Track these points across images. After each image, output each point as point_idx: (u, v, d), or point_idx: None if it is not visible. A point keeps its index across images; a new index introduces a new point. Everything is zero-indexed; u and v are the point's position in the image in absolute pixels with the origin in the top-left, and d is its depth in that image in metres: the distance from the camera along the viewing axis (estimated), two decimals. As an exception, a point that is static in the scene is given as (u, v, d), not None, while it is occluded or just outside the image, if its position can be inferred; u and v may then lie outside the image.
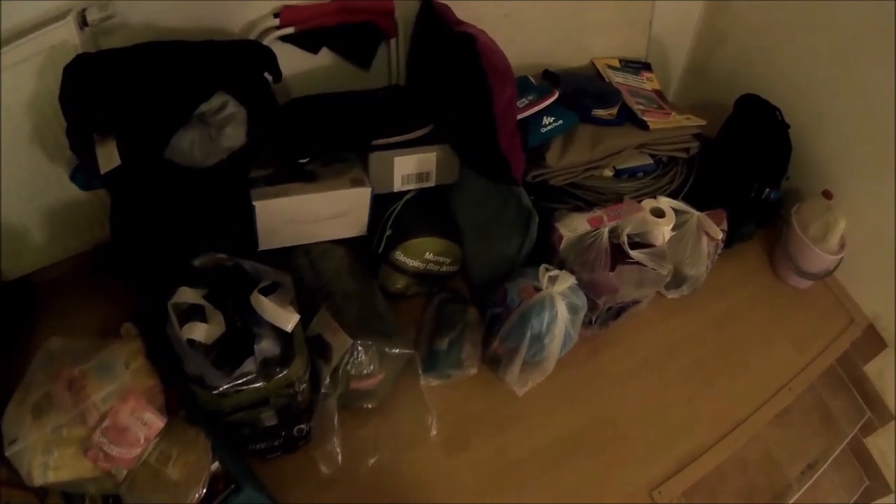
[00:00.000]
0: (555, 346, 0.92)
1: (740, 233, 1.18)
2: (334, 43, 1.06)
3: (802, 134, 1.19)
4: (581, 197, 1.05)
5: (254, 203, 0.92)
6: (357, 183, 0.97)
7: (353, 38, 1.05)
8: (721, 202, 1.15)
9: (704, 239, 1.08)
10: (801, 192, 1.26)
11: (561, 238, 0.97)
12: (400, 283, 1.00)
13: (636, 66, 1.25)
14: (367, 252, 1.00)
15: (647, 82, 1.23)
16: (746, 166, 1.19)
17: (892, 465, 1.26)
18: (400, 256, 0.97)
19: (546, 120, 1.01)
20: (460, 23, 0.98)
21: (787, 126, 1.18)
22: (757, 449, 1.17)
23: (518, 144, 0.95)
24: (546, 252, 1.00)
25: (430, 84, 0.99)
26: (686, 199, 1.13)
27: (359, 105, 1.03)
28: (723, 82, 1.32)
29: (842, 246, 1.17)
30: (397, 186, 1.01)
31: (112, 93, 0.82)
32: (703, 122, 1.17)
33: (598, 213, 0.98)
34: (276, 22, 0.99)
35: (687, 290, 1.10)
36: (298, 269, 0.98)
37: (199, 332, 0.77)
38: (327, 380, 0.88)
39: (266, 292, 0.83)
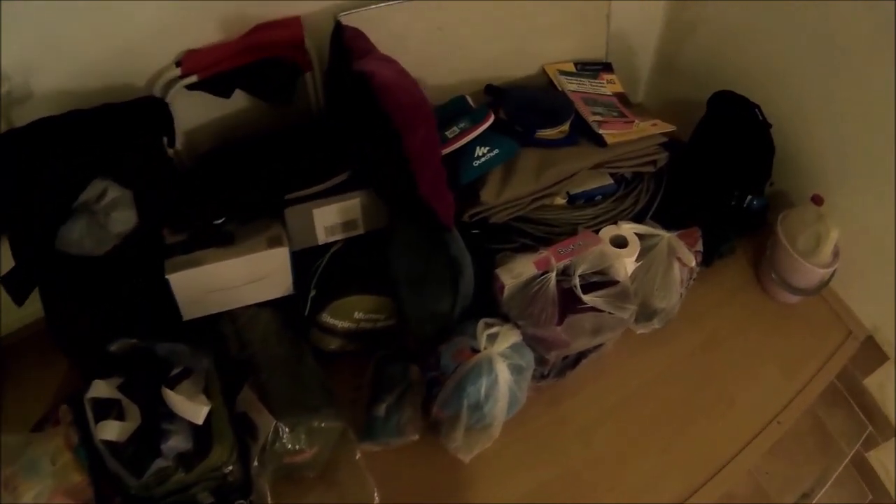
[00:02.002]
0: (499, 410, 0.77)
1: (720, 250, 0.98)
2: (246, 84, 0.89)
3: (786, 133, 0.98)
4: (529, 232, 0.87)
5: (167, 276, 0.79)
6: (274, 243, 0.82)
7: (266, 76, 0.88)
8: (697, 214, 0.96)
9: (676, 265, 0.89)
10: (788, 195, 1.05)
11: (503, 287, 0.80)
12: (333, 343, 0.85)
13: (594, 67, 1.04)
14: (296, 312, 0.85)
15: (608, 85, 1.02)
16: (724, 172, 0.99)
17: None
18: (328, 318, 0.83)
19: (479, 151, 0.82)
20: (366, 52, 0.80)
21: (769, 125, 0.97)
22: (746, 482, 1.00)
23: (443, 186, 0.77)
24: (492, 302, 0.83)
25: (345, 123, 0.81)
26: (655, 218, 0.94)
27: (274, 152, 0.87)
28: (695, 78, 1.11)
29: (835, 255, 0.96)
30: (322, 239, 0.85)
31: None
32: (672, 128, 0.96)
33: (544, 253, 0.80)
34: (179, 71, 0.83)
35: (658, 324, 0.92)
36: (225, 339, 0.84)
37: (112, 431, 0.70)
38: (255, 460, 0.76)
39: (178, 380, 0.74)
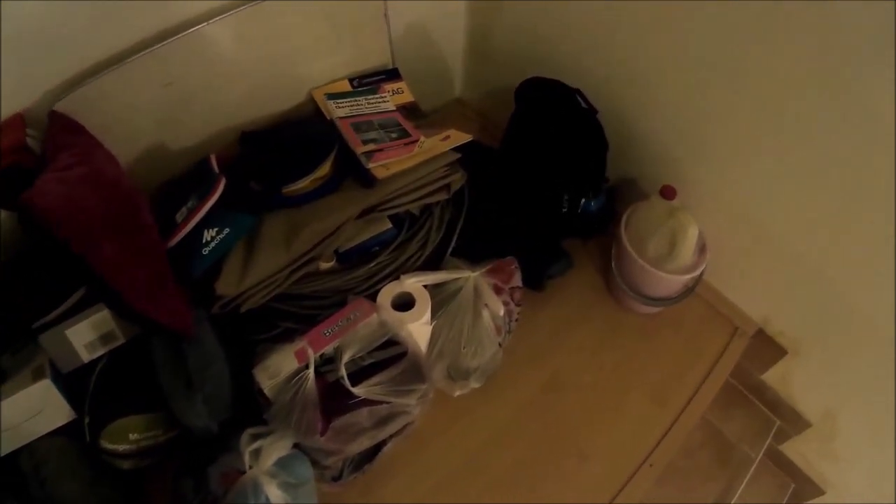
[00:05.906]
0: (283, 530, 0.58)
1: (549, 273, 0.71)
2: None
3: (620, 117, 0.69)
4: (293, 312, 0.64)
5: None
6: (38, 375, 0.65)
7: (3, 190, 0.68)
8: (517, 235, 0.69)
9: (486, 311, 0.64)
10: (636, 185, 0.75)
11: (261, 390, 0.59)
12: (125, 464, 0.68)
13: (375, 79, 0.75)
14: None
15: (392, 97, 0.74)
16: (547, 176, 0.70)
17: (818, 465, 0.81)
18: (106, 444, 0.65)
19: (207, 235, 0.59)
20: (62, 149, 0.57)
21: (595, 111, 0.67)
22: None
23: (164, 291, 0.57)
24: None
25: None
26: (460, 253, 0.68)
27: (24, 272, 0.67)
28: (513, 62, 0.79)
29: (702, 252, 0.68)
30: (87, 357, 0.67)
31: None
32: (468, 138, 0.69)
33: (301, 342, 0.58)
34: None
35: (477, 383, 0.68)
36: (25, 478, 0.70)
37: None
38: None
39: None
